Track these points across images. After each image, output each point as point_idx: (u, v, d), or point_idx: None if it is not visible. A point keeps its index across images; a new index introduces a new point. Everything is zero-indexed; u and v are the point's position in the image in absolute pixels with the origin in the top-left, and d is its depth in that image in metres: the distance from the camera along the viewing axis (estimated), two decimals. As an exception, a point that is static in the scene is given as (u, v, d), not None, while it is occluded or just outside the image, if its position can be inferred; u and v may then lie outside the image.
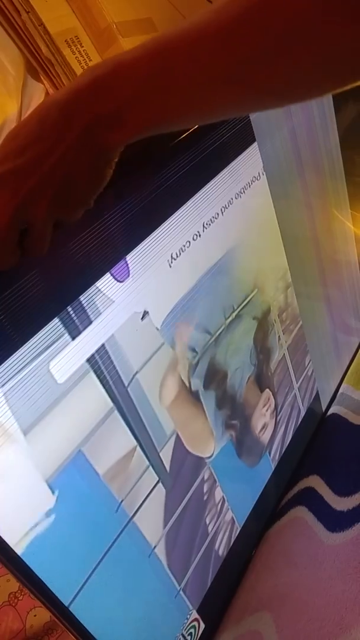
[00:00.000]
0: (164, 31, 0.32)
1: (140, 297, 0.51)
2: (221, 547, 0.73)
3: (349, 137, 0.88)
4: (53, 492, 0.45)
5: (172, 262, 0.54)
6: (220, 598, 0.75)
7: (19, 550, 0.43)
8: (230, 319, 0.64)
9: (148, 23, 0.85)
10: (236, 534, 0.75)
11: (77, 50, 0.81)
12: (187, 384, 0.59)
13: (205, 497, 0.67)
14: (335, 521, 0.85)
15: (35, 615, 0.74)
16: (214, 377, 0.63)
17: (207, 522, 0.68)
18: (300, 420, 0.87)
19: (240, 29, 0.29)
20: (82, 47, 0.81)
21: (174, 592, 0.65)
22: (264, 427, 0.76)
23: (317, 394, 0.92)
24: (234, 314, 0.64)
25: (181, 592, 0.66)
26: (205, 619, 0.71)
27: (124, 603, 0.57)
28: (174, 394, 0.57)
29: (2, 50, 0.78)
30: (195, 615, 0.70)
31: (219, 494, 0.69)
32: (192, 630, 0.70)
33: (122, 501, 0.53)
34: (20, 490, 0.43)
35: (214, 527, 0.70)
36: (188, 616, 0.69)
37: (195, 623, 0.71)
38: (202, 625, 0.72)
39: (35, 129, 0.33)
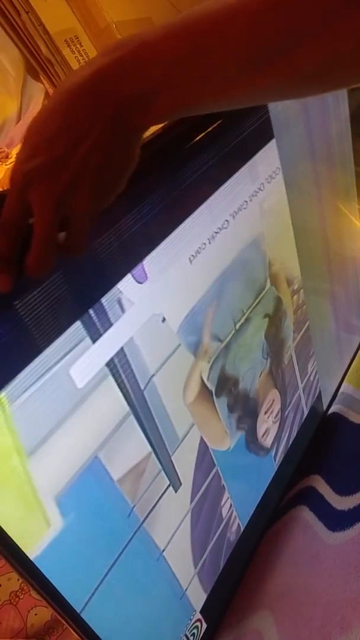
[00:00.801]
0: (189, 11, 0.30)
1: (158, 299, 0.50)
2: (225, 548, 0.72)
3: (352, 126, 0.86)
4: (69, 499, 0.44)
5: (191, 262, 0.53)
6: (222, 597, 0.75)
7: (33, 556, 0.42)
8: (240, 322, 0.63)
9: (147, 22, 0.84)
10: (239, 534, 0.75)
11: (77, 49, 0.79)
12: (205, 385, 0.58)
13: (212, 498, 0.66)
14: (336, 520, 0.85)
15: (36, 614, 0.73)
16: (226, 379, 0.62)
17: (214, 523, 0.68)
18: (303, 420, 0.87)
19: (276, 8, 0.27)
20: (82, 46, 0.80)
21: (179, 594, 0.65)
22: (268, 430, 0.76)
23: (320, 393, 0.92)
24: (244, 317, 0.63)
25: (186, 594, 0.66)
26: (207, 619, 0.71)
27: (132, 606, 0.56)
28: (195, 394, 0.56)
29: (2, 50, 0.76)
30: (198, 615, 0.70)
31: (225, 495, 0.69)
32: (194, 630, 0.70)
33: (134, 506, 0.52)
34: (36, 497, 0.42)
35: (219, 527, 0.70)
36: (192, 617, 0.69)
37: (198, 623, 0.71)
38: (205, 625, 0.71)
39: (64, 118, 0.31)
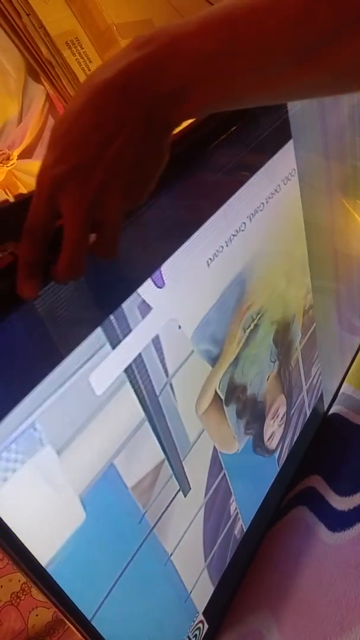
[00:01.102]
0: (224, 2, 0.29)
1: (175, 304, 0.48)
2: (228, 550, 0.72)
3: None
4: (84, 507, 0.43)
5: (208, 265, 0.51)
6: (223, 598, 0.75)
7: (48, 566, 0.41)
8: (249, 328, 0.62)
9: (148, 24, 0.83)
10: (242, 536, 0.75)
11: (78, 52, 0.78)
12: (217, 393, 0.57)
13: (219, 501, 0.66)
14: (336, 521, 0.85)
15: (37, 615, 0.72)
16: (235, 386, 0.61)
17: (219, 525, 0.68)
18: (305, 421, 0.87)
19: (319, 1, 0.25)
20: (83, 48, 0.79)
21: (184, 597, 0.64)
22: (274, 433, 0.76)
23: (322, 394, 0.92)
24: (254, 322, 0.63)
25: (190, 596, 0.66)
26: (208, 620, 0.71)
27: (137, 611, 0.56)
28: (208, 403, 0.55)
29: (2, 52, 0.75)
30: (200, 617, 0.70)
31: (231, 497, 0.68)
32: (197, 631, 0.70)
33: (145, 512, 0.52)
34: (52, 505, 0.41)
35: (225, 529, 0.70)
36: (194, 618, 0.69)
37: (200, 624, 0.70)
38: (206, 626, 0.71)
39: (92, 118, 0.29)
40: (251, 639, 0.77)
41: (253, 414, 0.67)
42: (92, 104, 0.29)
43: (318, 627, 0.77)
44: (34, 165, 0.76)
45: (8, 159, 0.73)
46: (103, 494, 0.45)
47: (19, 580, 0.73)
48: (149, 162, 0.32)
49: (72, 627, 0.45)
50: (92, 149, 0.29)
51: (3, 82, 0.75)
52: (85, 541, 0.44)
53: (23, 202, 0.32)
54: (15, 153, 0.73)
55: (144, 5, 0.84)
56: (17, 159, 0.73)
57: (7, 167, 0.72)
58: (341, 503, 0.87)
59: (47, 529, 0.40)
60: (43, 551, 0.40)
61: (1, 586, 0.72)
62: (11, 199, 0.70)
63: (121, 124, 0.29)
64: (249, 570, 0.81)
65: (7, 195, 0.74)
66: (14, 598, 0.72)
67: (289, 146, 0.60)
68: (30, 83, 0.77)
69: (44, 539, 0.40)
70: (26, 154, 0.76)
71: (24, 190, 0.75)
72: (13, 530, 0.37)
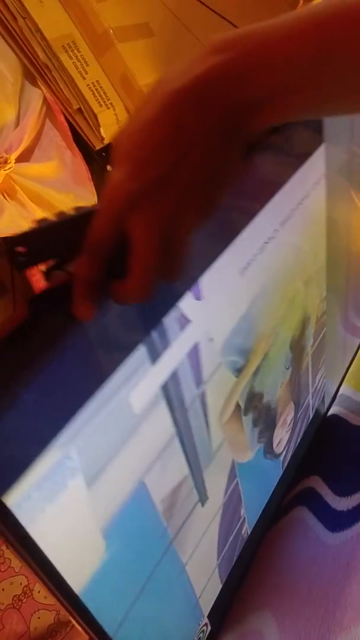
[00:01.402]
0: (316, 5, 0.26)
1: (210, 315, 0.47)
2: (235, 552, 0.72)
3: None
4: (114, 528, 0.41)
5: (242, 275, 0.50)
6: (225, 599, 0.75)
7: (77, 589, 0.39)
8: (272, 335, 0.61)
9: (145, 28, 0.81)
10: (246, 538, 0.75)
11: (74, 55, 0.76)
12: (237, 403, 0.56)
13: (230, 507, 0.65)
14: (336, 521, 0.86)
15: (39, 618, 0.71)
16: (254, 395, 0.60)
17: (230, 530, 0.67)
18: (308, 423, 0.87)
19: None
20: (79, 52, 0.77)
21: (194, 603, 0.64)
22: (282, 439, 0.76)
23: (324, 396, 0.92)
24: (276, 328, 0.61)
25: (199, 601, 0.65)
26: (211, 622, 0.71)
27: (151, 621, 0.55)
28: (231, 412, 0.54)
29: None
30: (205, 620, 0.70)
31: (241, 502, 0.68)
32: (201, 634, 0.70)
33: (167, 526, 0.50)
34: (84, 527, 0.39)
35: (232, 534, 0.69)
36: (200, 622, 0.69)
37: (205, 627, 0.71)
38: (210, 628, 0.72)
39: (168, 129, 0.27)
40: (251, 638, 0.77)
41: (266, 421, 0.66)
42: (166, 114, 0.27)
43: (318, 626, 0.78)
44: (32, 168, 0.75)
45: (5, 162, 0.73)
46: (132, 512, 0.43)
47: (21, 583, 0.71)
48: (224, 175, 0.29)
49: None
50: (168, 165, 0.27)
51: (0, 85, 0.74)
52: (113, 563, 0.42)
53: (76, 218, 0.29)
54: (13, 156, 0.73)
55: (141, 9, 0.83)
56: (14, 162, 0.73)
57: (4, 170, 0.72)
58: (340, 503, 0.88)
59: (80, 554, 0.38)
60: (76, 578, 0.38)
61: (2, 589, 0.70)
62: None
63: (198, 136, 0.27)
64: (249, 571, 0.82)
65: (6, 199, 0.73)
66: (15, 601, 0.70)
67: (321, 150, 0.58)
68: (27, 86, 0.77)
69: (77, 564, 0.38)
70: (24, 157, 0.75)
71: (21, 194, 0.73)
72: (49, 558, 0.35)
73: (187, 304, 0.42)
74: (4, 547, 0.69)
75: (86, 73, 0.78)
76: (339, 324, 0.91)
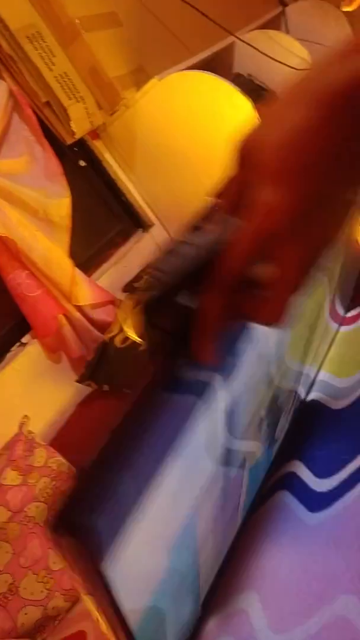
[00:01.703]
0: None
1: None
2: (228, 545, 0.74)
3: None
4: (170, 555, 0.42)
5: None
6: (214, 585, 0.77)
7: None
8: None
9: (112, 17, 0.80)
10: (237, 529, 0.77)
11: (39, 46, 0.75)
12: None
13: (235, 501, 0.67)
14: (316, 502, 0.88)
15: (26, 614, 0.71)
16: (274, 397, 0.61)
17: (233, 522, 0.69)
18: (294, 410, 0.89)
19: None
20: (45, 42, 0.76)
21: (199, 602, 0.66)
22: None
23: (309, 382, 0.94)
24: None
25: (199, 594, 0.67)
26: (202, 607, 0.73)
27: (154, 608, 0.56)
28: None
29: None
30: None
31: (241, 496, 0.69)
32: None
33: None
34: (147, 561, 0.39)
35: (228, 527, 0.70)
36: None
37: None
38: (199, 613, 0.73)
39: (329, 138, 0.24)
40: (237, 618, 0.79)
41: (274, 420, 0.68)
42: (320, 118, 0.23)
43: (300, 602, 0.80)
44: (1, 164, 0.73)
45: (-27, 155, 0.70)
46: (184, 538, 0.43)
47: (6, 581, 0.71)
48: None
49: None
50: (334, 184, 0.24)
51: None
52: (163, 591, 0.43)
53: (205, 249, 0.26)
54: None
55: (108, -3, 0.81)
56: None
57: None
58: (320, 485, 0.90)
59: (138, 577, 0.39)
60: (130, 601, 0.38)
61: (-12, 588, 0.70)
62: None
63: (356, 146, 0.24)
64: (232, 555, 0.84)
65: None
66: (1, 599, 0.70)
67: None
68: (-9, 79, 0.75)
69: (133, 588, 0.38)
70: (-10, 150, 0.73)
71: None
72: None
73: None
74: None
75: (53, 65, 0.78)
76: (325, 310, 0.93)
